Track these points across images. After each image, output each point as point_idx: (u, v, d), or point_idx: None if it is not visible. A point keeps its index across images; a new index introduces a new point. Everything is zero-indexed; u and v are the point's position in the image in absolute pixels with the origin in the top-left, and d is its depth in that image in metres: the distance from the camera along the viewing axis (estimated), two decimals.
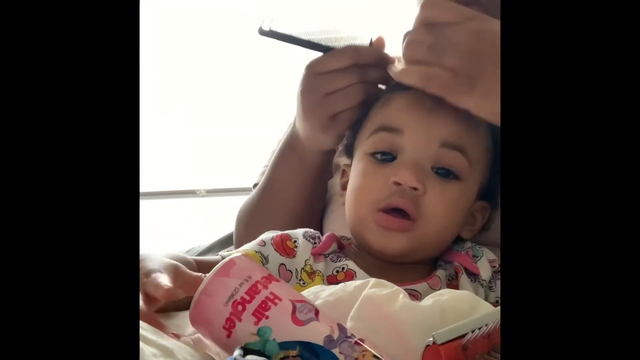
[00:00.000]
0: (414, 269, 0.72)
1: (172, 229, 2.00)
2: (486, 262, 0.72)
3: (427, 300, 0.60)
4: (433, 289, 0.69)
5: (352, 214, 0.73)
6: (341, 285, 0.64)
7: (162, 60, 2.22)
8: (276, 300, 0.51)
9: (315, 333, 0.50)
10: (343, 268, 0.70)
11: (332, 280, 0.70)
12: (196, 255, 1.11)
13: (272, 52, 2.23)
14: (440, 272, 0.71)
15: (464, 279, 0.70)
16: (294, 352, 0.49)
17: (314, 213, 0.89)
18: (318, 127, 0.77)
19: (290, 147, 0.85)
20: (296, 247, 0.72)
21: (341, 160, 0.90)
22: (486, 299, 0.69)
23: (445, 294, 0.61)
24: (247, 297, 0.52)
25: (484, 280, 0.71)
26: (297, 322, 0.50)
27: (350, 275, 0.70)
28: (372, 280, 0.63)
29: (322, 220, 0.90)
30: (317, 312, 0.52)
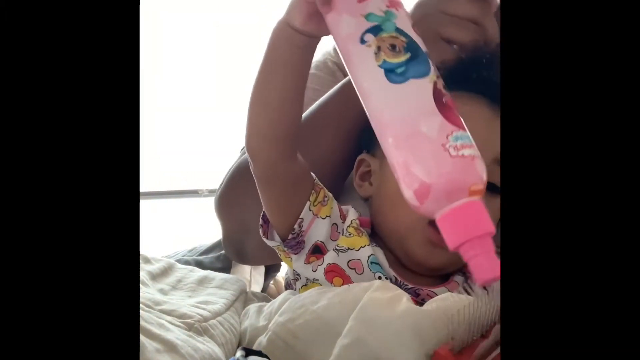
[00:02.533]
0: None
1: (174, 229, 2.00)
2: None
3: (430, 305, 0.60)
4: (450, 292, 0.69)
5: (394, 221, 0.72)
6: (345, 286, 0.65)
7: (163, 59, 2.22)
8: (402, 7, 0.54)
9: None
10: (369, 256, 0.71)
11: None
12: (198, 255, 1.12)
13: None
14: (457, 277, 0.71)
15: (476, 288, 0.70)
16: (403, 38, 0.51)
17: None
18: None
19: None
20: (347, 213, 0.73)
21: None
22: None
23: (449, 299, 0.61)
24: None
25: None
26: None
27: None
28: (377, 282, 0.63)
29: None
30: None
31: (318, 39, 0.59)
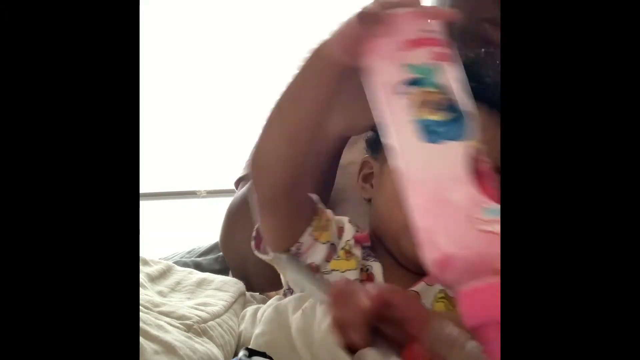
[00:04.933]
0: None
1: (173, 230, 2.00)
2: None
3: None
4: (429, 285, 0.69)
5: (389, 221, 0.72)
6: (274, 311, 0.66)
7: (162, 60, 2.22)
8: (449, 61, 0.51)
9: None
10: (367, 269, 0.71)
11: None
12: (196, 257, 1.11)
13: (274, 52, 2.23)
14: None
15: None
16: (443, 95, 0.48)
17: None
18: None
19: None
20: (343, 230, 0.73)
21: (350, 156, 0.89)
22: None
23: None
24: (437, 38, 0.51)
25: None
26: None
27: (370, 279, 0.70)
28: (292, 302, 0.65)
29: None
30: None
31: (355, 69, 0.57)
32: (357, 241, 0.72)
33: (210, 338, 0.63)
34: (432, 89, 0.49)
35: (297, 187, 0.66)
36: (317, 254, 0.70)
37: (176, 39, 2.30)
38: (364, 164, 0.80)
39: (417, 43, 0.50)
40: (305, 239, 0.69)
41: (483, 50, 0.77)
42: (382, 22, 0.52)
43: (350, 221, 0.74)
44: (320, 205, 0.71)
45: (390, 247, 0.72)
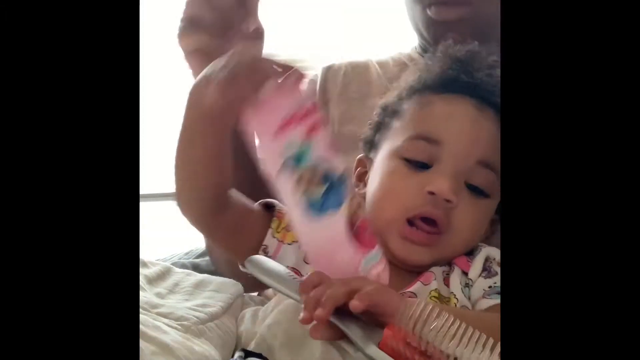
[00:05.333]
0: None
1: (171, 231, 1.99)
2: (480, 261, 0.70)
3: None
4: (425, 285, 0.69)
5: (377, 218, 0.71)
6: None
7: (162, 61, 2.22)
8: (320, 128, 0.56)
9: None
10: None
11: None
12: (194, 258, 1.11)
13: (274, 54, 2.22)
14: (435, 268, 0.71)
15: (455, 274, 0.70)
16: (320, 170, 0.54)
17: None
18: None
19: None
20: None
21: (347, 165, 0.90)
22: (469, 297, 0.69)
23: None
24: (309, 108, 0.56)
25: (470, 279, 0.69)
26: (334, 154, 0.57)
27: None
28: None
29: None
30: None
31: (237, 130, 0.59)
32: None
33: (209, 339, 0.63)
34: (309, 166, 0.55)
35: (217, 213, 0.68)
36: (288, 257, 0.70)
37: (176, 40, 2.30)
38: (358, 162, 0.80)
39: (293, 121, 0.55)
40: (269, 240, 0.70)
41: (476, 43, 0.77)
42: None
43: None
44: (281, 209, 0.71)
45: (380, 244, 0.71)
